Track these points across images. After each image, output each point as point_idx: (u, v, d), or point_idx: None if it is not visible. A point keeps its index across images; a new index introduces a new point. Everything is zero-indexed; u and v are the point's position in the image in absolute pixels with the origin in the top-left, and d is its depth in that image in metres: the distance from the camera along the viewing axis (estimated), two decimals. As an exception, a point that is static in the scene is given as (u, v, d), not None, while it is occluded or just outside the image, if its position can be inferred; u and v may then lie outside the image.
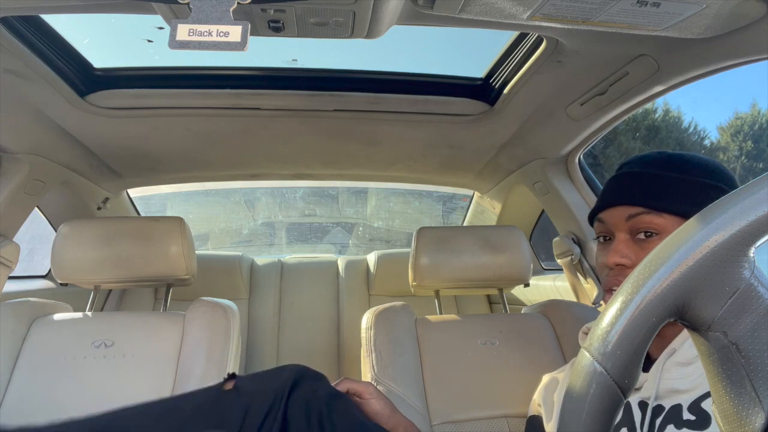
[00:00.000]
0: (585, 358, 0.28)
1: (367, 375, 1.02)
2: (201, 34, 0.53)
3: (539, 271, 1.88)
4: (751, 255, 0.26)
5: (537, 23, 0.69)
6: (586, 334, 0.78)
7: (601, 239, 0.68)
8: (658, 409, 0.57)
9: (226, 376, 0.77)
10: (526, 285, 1.24)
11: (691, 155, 0.67)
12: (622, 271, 0.62)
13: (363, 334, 1.09)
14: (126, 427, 0.69)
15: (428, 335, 1.11)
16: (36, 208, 1.39)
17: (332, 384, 0.89)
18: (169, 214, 2.37)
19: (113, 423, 0.70)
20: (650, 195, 0.62)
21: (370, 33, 0.72)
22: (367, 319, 1.11)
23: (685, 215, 0.59)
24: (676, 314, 0.27)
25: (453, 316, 1.18)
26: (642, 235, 0.62)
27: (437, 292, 1.28)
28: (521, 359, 1.07)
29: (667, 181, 0.62)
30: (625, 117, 1.08)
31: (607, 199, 0.67)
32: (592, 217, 0.70)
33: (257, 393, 0.74)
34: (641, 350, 0.27)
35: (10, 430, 0.68)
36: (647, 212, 0.61)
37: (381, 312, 1.12)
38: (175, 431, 0.69)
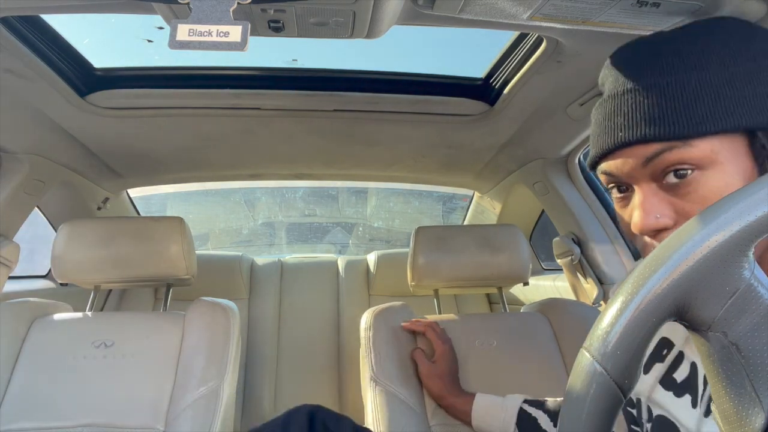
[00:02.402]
0: (585, 358, 0.28)
1: (365, 375, 1.02)
2: (201, 34, 0.53)
3: (539, 271, 1.88)
4: (751, 255, 0.26)
5: (537, 23, 0.69)
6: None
7: (615, 191, 0.49)
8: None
9: None
10: (526, 284, 1.24)
11: (699, 27, 0.46)
12: (664, 236, 0.44)
13: (362, 333, 1.09)
14: None
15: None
16: (36, 208, 1.39)
17: (420, 323, 1.07)
18: (169, 214, 2.37)
19: None
20: (667, 120, 0.42)
21: (370, 33, 0.72)
22: (366, 319, 1.11)
23: (728, 129, 0.41)
24: (676, 314, 0.27)
25: (451, 316, 1.18)
26: (673, 177, 0.43)
27: (436, 292, 1.28)
28: (520, 358, 1.07)
29: (687, 89, 0.42)
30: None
31: (604, 143, 0.46)
32: (593, 167, 0.51)
33: None
34: (641, 350, 0.27)
35: None
36: (670, 147, 0.42)
37: (380, 312, 1.12)
38: None
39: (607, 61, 0.51)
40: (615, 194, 0.49)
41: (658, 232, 0.44)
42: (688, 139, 0.41)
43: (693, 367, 0.50)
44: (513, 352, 1.09)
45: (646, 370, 0.56)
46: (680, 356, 0.52)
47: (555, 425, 0.82)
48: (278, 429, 0.78)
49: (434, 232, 1.20)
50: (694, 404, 0.47)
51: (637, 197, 0.46)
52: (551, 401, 0.85)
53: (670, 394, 0.50)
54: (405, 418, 0.94)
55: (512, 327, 1.14)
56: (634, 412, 0.57)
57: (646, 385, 0.54)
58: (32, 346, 1.03)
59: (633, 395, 0.55)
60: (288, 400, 1.73)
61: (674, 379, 0.51)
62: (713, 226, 0.26)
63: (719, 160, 0.41)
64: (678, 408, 0.49)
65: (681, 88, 0.42)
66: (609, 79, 0.49)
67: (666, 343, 0.55)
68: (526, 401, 0.86)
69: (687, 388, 0.49)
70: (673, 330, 0.55)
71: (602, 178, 0.50)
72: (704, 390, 0.47)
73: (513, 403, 0.86)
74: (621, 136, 0.44)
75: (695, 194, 0.42)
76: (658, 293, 0.26)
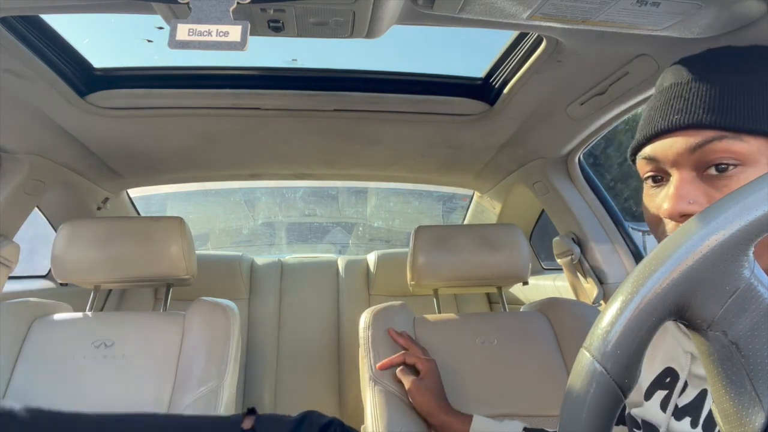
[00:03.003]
0: (585, 357, 0.28)
1: (365, 375, 1.02)
2: (201, 33, 0.53)
3: (539, 271, 1.88)
4: (751, 254, 0.26)
5: (537, 23, 0.69)
6: None
7: (650, 181, 0.49)
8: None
9: (245, 411, 0.75)
10: (525, 283, 1.24)
11: (760, 46, 0.49)
12: None
13: (361, 333, 1.09)
14: None
15: (426, 334, 1.11)
16: (36, 208, 1.39)
17: (396, 355, 0.98)
18: (169, 214, 2.37)
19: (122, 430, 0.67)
20: (725, 110, 0.43)
21: (370, 33, 0.72)
22: (365, 319, 1.11)
23: None
24: (676, 314, 0.27)
25: (451, 315, 1.18)
26: (713, 170, 0.44)
27: (436, 291, 1.28)
28: (519, 358, 1.07)
29: (746, 87, 0.44)
30: (625, 117, 1.08)
31: (657, 124, 0.47)
32: (635, 153, 0.51)
33: None
34: (641, 350, 0.27)
35: (17, 411, 0.67)
36: (722, 136, 0.43)
37: (379, 311, 1.12)
38: None
39: (669, 67, 0.54)
40: (649, 184, 0.50)
41: (684, 218, 0.45)
42: (741, 132, 0.43)
43: (701, 395, 0.50)
44: (513, 351, 1.09)
45: (648, 396, 0.56)
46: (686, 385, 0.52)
47: None
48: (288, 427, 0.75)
49: (434, 231, 1.20)
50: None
51: (673, 181, 0.46)
52: (550, 428, 0.84)
53: (672, 418, 0.51)
54: (404, 417, 0.94)
55: (512, 326, 1.14)
56: None
57: (656, 415, 0.54)
58: (32, 346, 1.03)
59: (654, 424, 0.55)
60: (288, 400, 1.73)
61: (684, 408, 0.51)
62: (713, 225, 0.26)
63: (763, 161, 0.43)
64: None
65: (741, 85, 0.44)
66: (669, 74, 0.51)
67: (669, 372, 0.55)
68: (526, 429, 0.85)
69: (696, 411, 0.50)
70: (674, 358, 0.55)
71: (642, 164, 0.50)
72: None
73: (514, 429, 0.85)
74: (677, 119, 0.45)
75: (730, 189, 0.43)
76: (658, 292, 0.26)
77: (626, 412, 0.60)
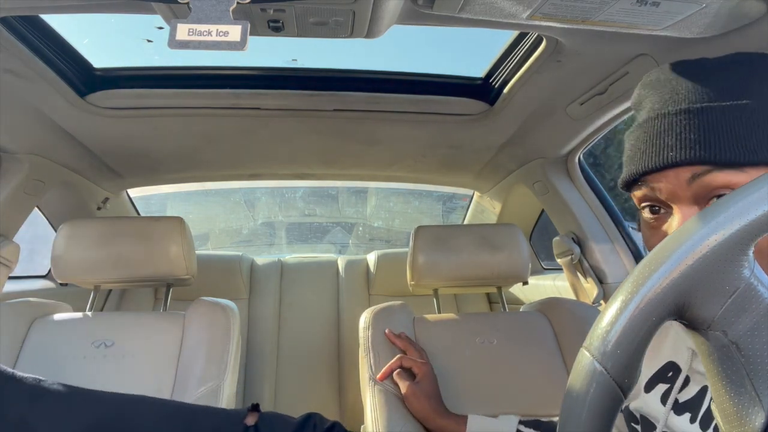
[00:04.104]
0: (585, 357, 0.28)
1: (364, 375, 1.02)
2: (201, 33, 0.53)
3: (539, 271, 1.88)
4: (751, 254, 0.26)
5: (537, 23, 0.69)
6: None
7: (647, 211, 0.47)
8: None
9: (249, 407, 0.75)
10: (525, 283, 1.24)
11: (756, 57, 0.45)
12: None
13: (361, 333, 1.09)
14: (134, 423, 0.67)
15: (426, 334, 1.11)
16: (36, 208, 1.39)
17: (393, 360, 0.96)
18: (169, 214, 2.37)
19: (122, 414, 0.68)
20: (722, 144, 0.41)
21: (370, 33, 0.72)
22: (364, 319, 1.11)
23: None
24: (676, 313, 0.27)
25: (451, 315, 1.18)
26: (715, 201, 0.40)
27: (436, 291, 1.28)
28: (519, 358, 1.07)
29: (743, 115, 0.42)
30: (625, 117, 1.08)
31: (649, 161, 0.45)
32: (629, 184, 0.48)
33: None
34: (641, 350, 0.27)
35: (28, 380, 0.66)
36: (719, 169, 0.41)
37: (379, 311, 1.12)
38: None
39: (644, 80, 0.50)
40: (646, 214, 0.48)
41: None
42: (740, 165, 0.41)
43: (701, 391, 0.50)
44: (513, 351, 1.09)
45: (648, 389, 0.55)
46: (687, 380, 0.52)
47: None
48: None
49: (434, 231, 1.19)
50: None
51: (676, 219, 0.44)
52: (545, 420, 0.84)
53: (672, 412, 0.51)
54: (404, 418, 0.94)
55: (512, 326, 1.14)
56: (638, 427, 0.57)
57: (656, 410, 0.53)
58: (32, 346, 1.03)
59: (651, 419, 0.54)
60: (288, 400, 1.73)
61: (685, 403, 0.51)
62: (713, 225, 0.26)
63: None
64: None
65: (737, 114, 0.42)
66: (651, 98, 0.48)
67: (672, 366, 0.55)
68: (521, 422, 0.85)
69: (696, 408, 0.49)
70: (677, 353, 0.55)
71: (637, 194, 0.48)
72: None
73: (509, 425, 0.85)
74: (671, 156, 0.43)
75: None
76: (658, 292, 0.26)
77: (623, 406, 0.60)
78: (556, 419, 0.84)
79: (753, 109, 0.42)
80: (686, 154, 0.42)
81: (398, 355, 1.01)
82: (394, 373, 0.97)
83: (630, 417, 0.58)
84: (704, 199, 0.43)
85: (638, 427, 0.56)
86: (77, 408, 0.66)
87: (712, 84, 0.44)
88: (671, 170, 0.44)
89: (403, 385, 0.94)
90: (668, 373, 0.54)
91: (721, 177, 0.41)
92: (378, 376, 0.99)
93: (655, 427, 0.53)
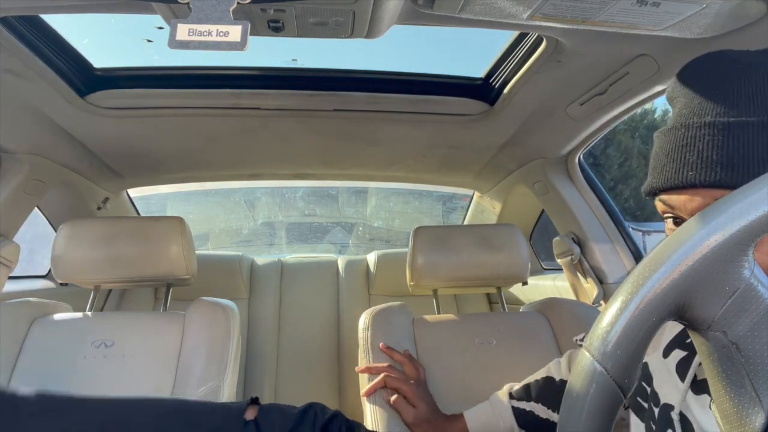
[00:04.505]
0: (585, 357, 0.28)
1: (364, 375, 1.01)
2: (201, 33, 0.53)
3: (539, 271, 1.88)
4: (751, 255, 0.26)
5: (537, 23, 0.69)
6: (578, 344, 0.77)
7: (671, 221, 0.45)
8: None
9: (249, 400, 0.73)
10: (525, 283, 1.24)
11: None
12: None
13: (360, 334, 1.09)
14: (133, 426, 0.66)
15: (425, 335, 1.11)
16: (36, 208, 1.39)
17: (377, 380, 0.95)
18: (169, 214, 2.37)
19: (122, 419, 0.67)
20: (747, 166, 0.37)
21: (370, 33, 0.72)
22: (364, 320, 1.11)
23: None
24: (676, 314, 0.27)
25: (450, 316, 1.18)
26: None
27: (435, 292, 1.28)
28: (519, 358, 1.07)
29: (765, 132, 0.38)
30: (625, 117, 1.08)
31: (670, 178, 0.42)
32: (652, 194, 0.46)
33: None
34: (641, 350, 0.27)
35: (28, 395, 0.65)
36: None
37: (378, 312, 1.12)
38: None
39: (682, 71, 0.46)
40: (669, 225, 0.45)
41: None
42: None
43: None
44: (512, 351, 1.09)
45: (666, 353, 0.52)
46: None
47: (548, 407, 0.81)
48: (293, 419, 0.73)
49: (433, 232, 1.20)
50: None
51: None
52: (533, 384, 0.84)
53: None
54: (405, 418, 0.94)
55: (511, 326, 1.14)
56: (648, 389, 0.53)
57: (672, 384, 0.50)
58: (32, 346, 1.03)
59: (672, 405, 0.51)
60: (288, 400, 1.73)
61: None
62: (713, 225, 0.26)
63: None
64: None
65: (763, 130, 0.38)
66: (681, 99, 0.44)
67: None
68: (512, 397, 0.85)
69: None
70: None
71: (660, 206, 0.46)
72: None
73: (503, 406, 0.85)
74: (691, 176, 0.40)
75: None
76: (658, 293, 0.26)
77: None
78: (541, 376, 0.84)
79: None
80: (707, 176, 0.39)
81: (382, 375, 0.97)
82: (392, 399, 0.94)
83: (645, 376, 0.54)
84: None
85: (648, 389, 0.53)
86: (80, 418, 0.65)
87: (744, 91, 0.40)
88: (692, 192, 0.41)
89: (405, 413, 0.91)
90: (687, 339, 0.51)
91: None
92: (363, 393, 0.96)
93: (659, 398, 0.50)
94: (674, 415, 0.47)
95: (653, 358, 0.54)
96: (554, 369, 0.84)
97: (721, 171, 0.38)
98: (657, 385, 0.51)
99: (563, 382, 0.80)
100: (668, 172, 0.42)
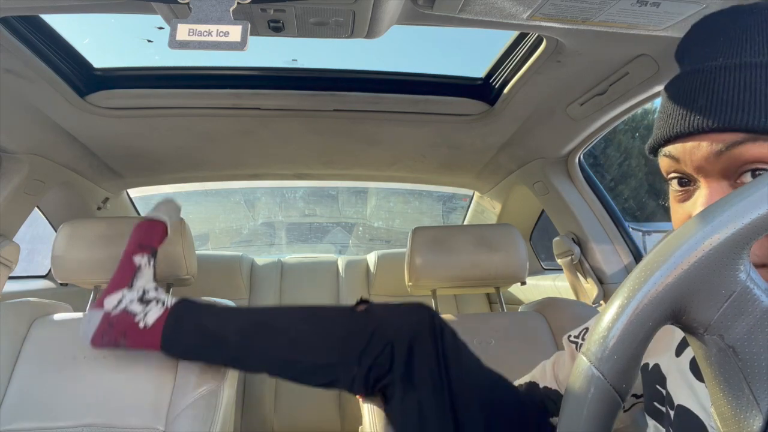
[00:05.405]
0: (582, 362, 0.28)
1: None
2: (201, 34, 0.53)
3: (539, 271, 1.88)
4: (747, 257, 0.26)
5: (537, 23, 0.69)
6: (570, 341, 0.76)
7: (675, 183, 0.43)
8: None
9: (359, 299, 0.91)
10: (523, 283, 1.24)
11: None
12: None
13: None
14: (276, 321, 0.90)
15: None
16: (36, 208, 1.39)
17: None
18: (169, 213, 2.36)
19: (264, 317, 0.91)
20: (759, 107, 0.36)
21: (370, 33, 0.72)
22: None
23: None
24: (673, 318, 0.27)
25: (449, 316, 1.18)
26: (749, 177, 0.37)
27: (434, 292, 1.28)
28: (518, 358, 1.07)
29: None
30: (625, 117, 1.08)
31: (676, 125, 0.40)
32: (655, 149, 0.44)
33: (384, 323, 0.83)
34: (638, 354, 0.27)
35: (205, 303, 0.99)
36: (755, 138, 0.36)
37: None
38: (314, 333, 0.86)
39: (690, 30, 0.44)
40: (674, 186, 0.43)
41: None
42: None
43: None
44: (511, 351, 1.09)
45: (679, 352, 0.50)
46: None
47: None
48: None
49: (431, 232, 1.20)
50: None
51: (703, 193, 0.39)
52: (523, 388, 0.82)
53: (702, 385, 0.45)
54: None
55: (510, 326, 1.14)
56: (663, 392, 0.51)
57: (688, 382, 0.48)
58: (32, 346, 1.03)
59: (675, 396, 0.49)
60: (288, 400, 1.73)
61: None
62: (708, 228, 0.26)
63: None
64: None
65: None
66: (692, 49, 0.42)
67: None
68: None
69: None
70: None
71: (664, 162, 0.43)
72: None
73: None
74: (698, 121, 0.38)
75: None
76: (654, 297, 0.26)
77: (650, 364, 0.53)
78: (525, 381, 0.83)
79: None
80: (717, 121, 0.37)
81: None
82: None
83: (659, 378, 0.52)
84: (735, 173, 0.38)
85: (663, 392, 0.51)
86: (235, 315, 0.93)
87: (759, 36, 0.38)
88: (699, 138, 0.38)
89: None
90: None
91: (755, 149, 0.36)
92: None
93: (673, 400, 0.48)
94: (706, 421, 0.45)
95: (665, 358, 0.52)
96: (539, 374, 0.82)
97: (731, 112, 0.37)
98: (670, 387, 0.50)
99: (547, 389, 0.78)
100: (674, 119, 0.40)
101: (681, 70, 0.43)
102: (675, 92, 0.41)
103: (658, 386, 0.52)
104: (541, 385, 0.81)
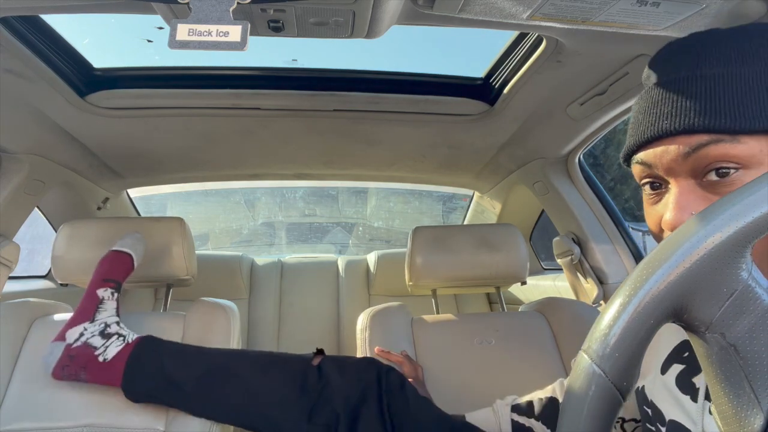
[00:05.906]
0: (584, 360, 0.28)
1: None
2: (201, 34, 0.53)
3: (539, 271, 1.88)
4: (749, 256, 0.26)
5: (537, 23, 0.69)
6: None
7: (648, 187, 0.46)
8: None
9: (316, 349, 0.93)
10: (523, 283, 1.24)
11: (755, 27, 0.44)
12: None
13: (358, 335, 1.09)
14: (236, 369, 0.91)
15: (424, 335, 1.11)
16: (36, 208, 1.39)
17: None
18: (169, 214, 2.37)
19: (224, 362, 0.92)
20: (717, 111, 0.40)
21: (370, 33, 0.72)
22: (362, 320, 1.11)
23: None
24: (674, 316, 0.27)
25: (449, 316, 1.18)
26: (714, 175, 0.40)
27: (434, 292, 1.28)
28: (518, 358, 1.07)
29: (740, 81, 0.40)
30: (625, 117, 1.08)
31: (646, 131, 0.44)
32: (627, 158, 0.48)
33: (337, 380, 0.86)
34: (639, 352, 0.27)
35: (169, 344, 0.96)
36: (717, 140, 0.40)
37: (377, 313, 1.12)
38: (267, 386, 0.87)
39: (653, 57, 0.49)
40: (647, 191, 0.47)
41: None
42: (737, 134, 0.39)
43: None
44: (511, 350, 1.09)
45: (664, 370, 0.52)
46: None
47: (548, 428, 0.80)
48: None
49: (431, 232, 1.20)
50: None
51: (673, 192, 0.43)
52: (536, 402, 0.82)
53: (688, 398, 0.48)
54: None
55: (510, 326, 1.14)
56: (649, 411, 0.53)
57: (664, 387, 0.51)
58: (32, 347, 1.03)
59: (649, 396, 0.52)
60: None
61: (693, 383, 0.48)
62: (710, 227, 0.26)
63: (766, 162, 0.39)
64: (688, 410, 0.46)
65: (735, 80, 0.40)
66: (656, 70, 0.47)
67: (687, 346, 0.52)
68: (515, 409, 0.83)
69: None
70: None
71: (636, 169, 0.46)
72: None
73: (504, 417, 0.83)
74: (665, 125, 0.42)
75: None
76: (656, 295, 0.26)
77: (637, 387, 0.56)
78: (546, 395, 0.83)
79: (753, 74, 0.40)
80: (681, 123, 0.41)
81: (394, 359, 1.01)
82: None
83: (643, 400, 0.55)
84: (701, 173, 0.41)
85: (649, 411, 0.53)
86: (195, 358, 0.93)
87: (715, 52, 0.42)
88: (668, 143, 0.42)
89: None
90: (684, 353, 0.52)
91: (717, 149, 0.40)
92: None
93: (663, 417, 0.49)
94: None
95: (648, 381, 0.55)
96: (558, 390, 0.82)
97: (693, 116, 0.41)
98: (660, 404, 0.51)
99: None
100: (645, 126, 0.44)
101: (647, 86, 0.47)
102: (644, 104, 0.46)
103: (644, 407, 0.55)
104: (560, 401, 0.80)
